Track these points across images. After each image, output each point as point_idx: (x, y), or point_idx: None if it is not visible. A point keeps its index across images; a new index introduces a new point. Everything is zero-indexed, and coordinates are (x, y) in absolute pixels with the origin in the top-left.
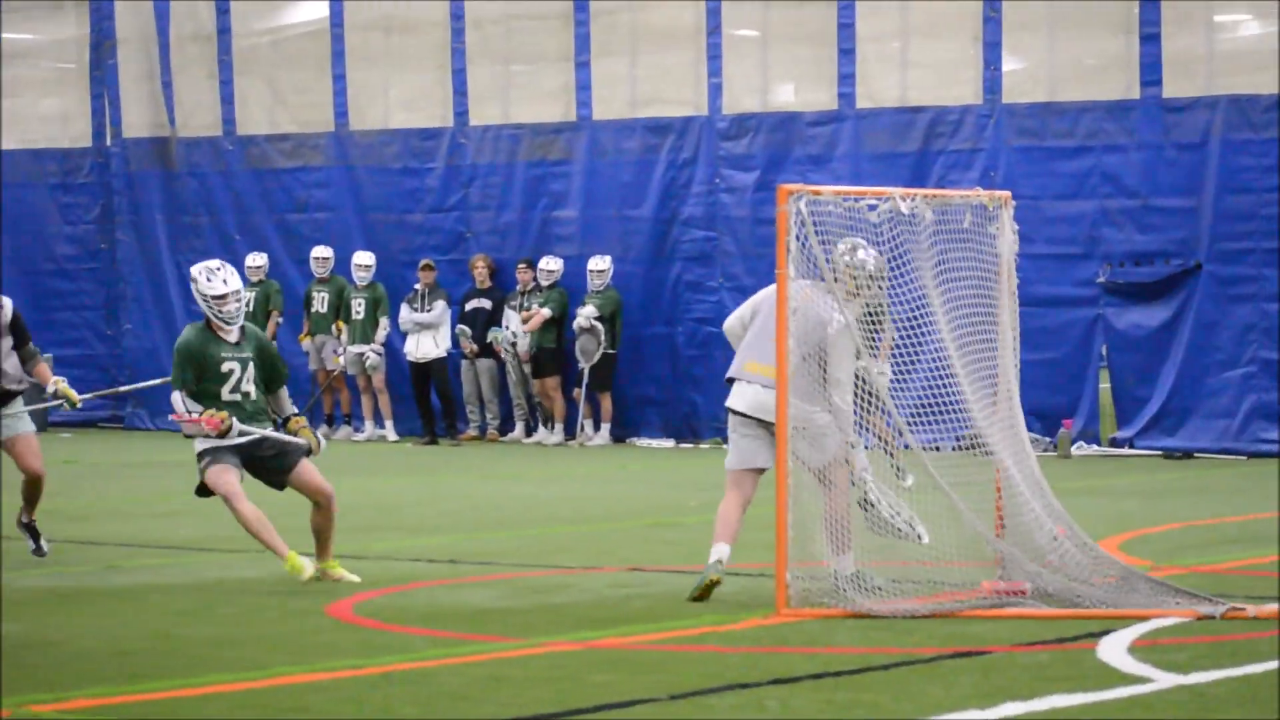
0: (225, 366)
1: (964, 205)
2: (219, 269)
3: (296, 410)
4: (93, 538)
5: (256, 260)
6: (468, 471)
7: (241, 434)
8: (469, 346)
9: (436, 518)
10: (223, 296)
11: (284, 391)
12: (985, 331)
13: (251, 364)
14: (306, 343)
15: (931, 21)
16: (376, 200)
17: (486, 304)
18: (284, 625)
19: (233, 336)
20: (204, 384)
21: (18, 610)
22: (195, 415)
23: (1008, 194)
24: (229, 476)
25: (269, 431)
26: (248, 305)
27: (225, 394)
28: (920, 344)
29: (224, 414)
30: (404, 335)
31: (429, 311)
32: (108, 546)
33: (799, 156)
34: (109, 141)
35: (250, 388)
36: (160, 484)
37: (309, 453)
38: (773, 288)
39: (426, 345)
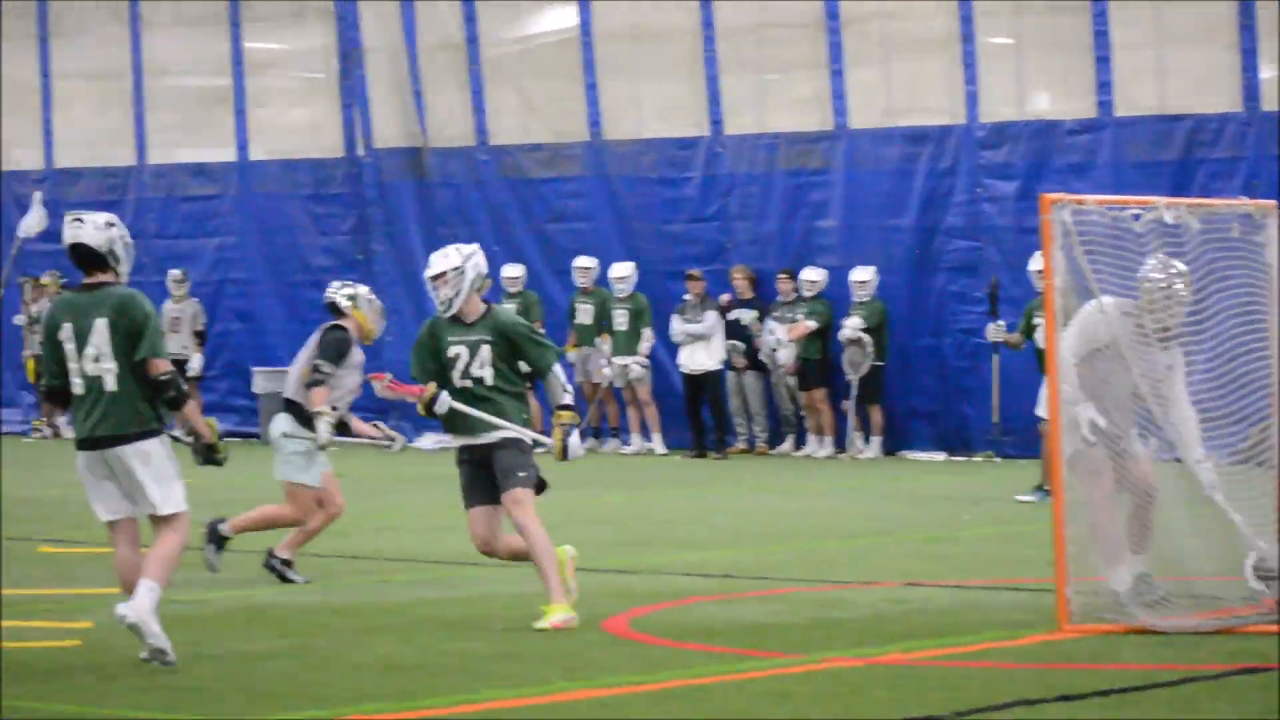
0: (451, 351)
1: (1230, 214)
2: (440, 251)
3: (568, 402)
4: (360, 553)
5: (514, 271)
6: (738, 485)
7: (452, 410)
8: (738, 360)
9: (708, 532)
10: (430, 280)
11: (553, 376)
12: (1257, 342)
13: (486, 347)
14: (572, 354)
15: (1186, 28)
16: (634, 210)
17: (752, 314)
18: (559, 641)
19: (470, 318)
20: (440, 371)
21: (288, 626)
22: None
23: (1274, 203)
24: (480, 530)
25: (494, 419)
26: None
27: (456, 380)
28: (1194, 354)
29: (430, 384)
30: (676, 347)
31: (700, 322)
32: (376, 561)
33: (1059, 165)
34: (361, 151)
35: (484, 372)
36: (427, 498)
37: (542, 486)
38: (1091, 305)
39: (700, 357)
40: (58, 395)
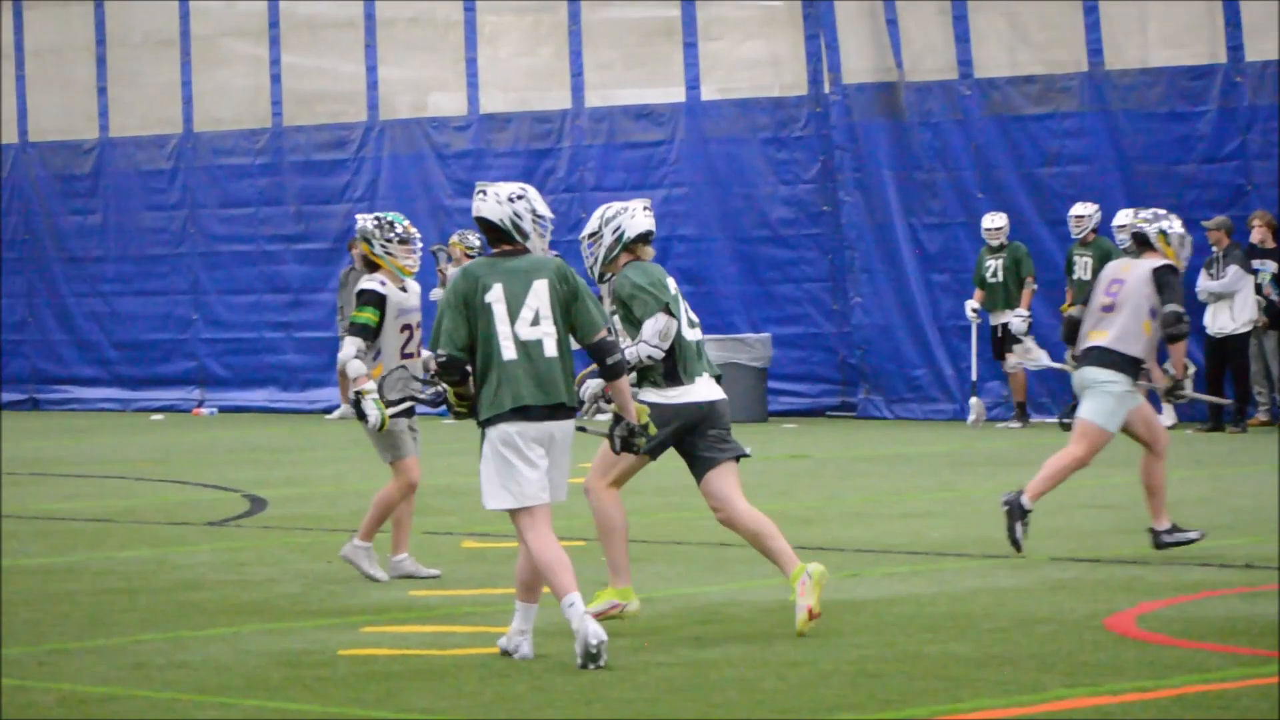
0: None
1: None
2: None
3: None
4: (827, 543)
5: (996, 221)
6: (1259, 462)
7: None
8: (1259, 319)
9: (1226, 516)
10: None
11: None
12: None
13: (615, 317)
14: (1071, 313)
15: None
16: (1139, 149)
17: (1272, 267)
18: (1057, 641)
19: None
20: None
21: (746, 627)
22: None
23: None
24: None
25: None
26: (993, 272)
27: None
28: None
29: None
30: (1202, 306)
31: (1222, 278)
32: (845, 553)
33: None
34: (828, 89)
35: (623, 343)
36: (900, 480)
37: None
38: None
39: (1223, 319)
40: (454, 367)
